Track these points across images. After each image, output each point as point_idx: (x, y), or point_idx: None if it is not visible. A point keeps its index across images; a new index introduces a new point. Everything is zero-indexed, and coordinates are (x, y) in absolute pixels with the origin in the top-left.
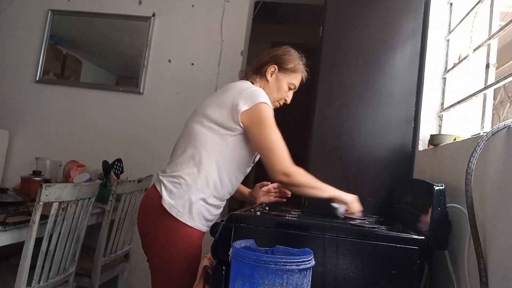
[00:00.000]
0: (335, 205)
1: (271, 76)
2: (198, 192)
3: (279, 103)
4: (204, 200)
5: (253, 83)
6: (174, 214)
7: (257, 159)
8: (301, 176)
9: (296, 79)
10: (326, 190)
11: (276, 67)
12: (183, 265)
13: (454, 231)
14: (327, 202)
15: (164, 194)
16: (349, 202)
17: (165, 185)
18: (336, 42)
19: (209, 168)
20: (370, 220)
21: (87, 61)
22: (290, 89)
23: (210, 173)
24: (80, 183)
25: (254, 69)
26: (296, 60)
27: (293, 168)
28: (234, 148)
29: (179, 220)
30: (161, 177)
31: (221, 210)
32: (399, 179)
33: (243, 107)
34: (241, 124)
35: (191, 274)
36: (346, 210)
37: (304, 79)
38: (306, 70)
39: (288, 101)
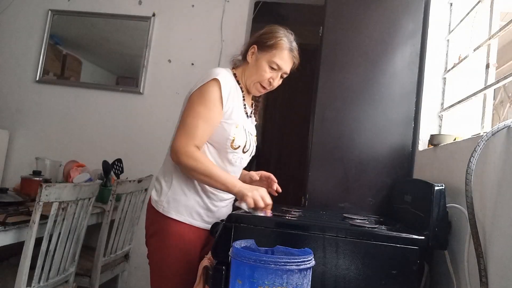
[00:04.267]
0: (237, 204)
1: (251, 57)
2: (180, 186)
3: (263, 86)
4: (189, 192)
5: (233, 68)
6: (160, 210)
7: (235, 144)
8: (192, 159)
9: (278, 57)
10: (221, 182)
11: (255, 47)
12: (175, 262)
13: (454, 231)
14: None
15: (153, 193)
16: (246, 198)
17: (155, 185)
18: (336, 42)
19: None
20: (370, 220)
21: (87, 61)
22: (273, 69)
23: None
24: (80, 183)
25: (241, 55)
26: (278, 37)
27: (186, 148)
28: None
29: (167, 216)
30: (154, 179)
31: (222, 203)
32: (399, 179)
33: (194, 88)
34: None
35: (184, 270)
36: (249, 207)
37: (295, 60)
38: (297, 50)
39: (274, 84)
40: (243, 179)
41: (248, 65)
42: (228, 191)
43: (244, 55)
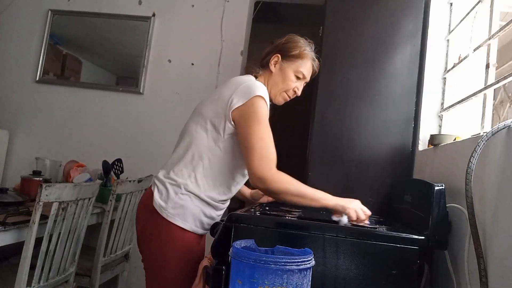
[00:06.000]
0: (334, 218)
1: (274, 66)
2: (189, 193)
3: (288, 95)
4: (196, 201)
5: (256, 77)
6: (164, 216)
7: None
8: (281, 183)
9: (303, 66)
10: (315, 199)
11: (279, 56)
12: (176, 270)
13: (454, 231)
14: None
15: (156, 195)
16: (348, 211)
17: (157, 186)
18: (336, 42)
19: (200, 170)
20: (370, 220)
21: (87, 61)
22: (298, 78)
23: (201, 175)
24: (80, 183)
25: (258, 62)
26: (301, 47)
27: (270, 172)
28: (228, 149)
29: (171, 222)
30: (155, 179)
31: (221, 211)
32: (399, 179)
33: (237, 103)
34: (232, 122)
35: (184, 279)
36: (350, 220)
37: (316, 68)
38: (317, 58)
39: (299, 92)
40: (256, 194)
41: (272, 75)
42: (323, 206)
43: (266, 63)
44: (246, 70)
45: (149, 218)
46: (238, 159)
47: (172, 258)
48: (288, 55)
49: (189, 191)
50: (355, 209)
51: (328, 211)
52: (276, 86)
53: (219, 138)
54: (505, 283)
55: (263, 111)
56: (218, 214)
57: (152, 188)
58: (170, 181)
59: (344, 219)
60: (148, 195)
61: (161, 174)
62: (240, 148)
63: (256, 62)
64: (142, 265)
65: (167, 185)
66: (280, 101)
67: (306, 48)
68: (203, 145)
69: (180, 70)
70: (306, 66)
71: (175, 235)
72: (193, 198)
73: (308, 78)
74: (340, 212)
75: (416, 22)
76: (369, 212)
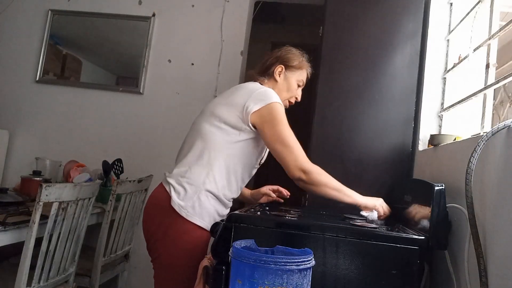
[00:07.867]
0: (363, 213)
1: (279, 76)
2: (206, 193)
3: (290, 102)
4: (212, 200)
5: (262, 84)
6: (183, 215)
7: (262, 161)
8: (320, 175)
9: (302, 75)
10: (349, 195)
11: (282, 66)
12: (191, 266)
13: (454, 231)
14: (354, 210)
15: (173, 195)
16: (378, 207)
17: (174, 186)
18: (336, 42)
19: (217, 168)
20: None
21: (87, 61)
22: (299, 86)
23: (218, 174)
24: (80, 183)
25: (260, 71)
26: (299, 57)
27: (311, 165)
28: (242, 149)
29: (189, 221)
30: (168, 179)
31: (228, 210)
32: (399, 179)
33: (254, 107)
34: (251, 125)
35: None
36: (378, 215)
37: (309, 74)
38: (310, 66)
39: (299, 99)
40: (256, 195)
41: (277, 84)
42: (354, 202)
43: (271, 73)
44: (249, 78)
45: (165, 217)
46: (249, 159)
47: (188, 255)
48: (290, 65)
49: (207, 190)
50: (382, 206)
51: (356, 207)
52: (281, 94)
53: (235, 138)
54: (505, 283)
55: (283, 113)
56: (227, 213)
57: (167, 188)
58: (188, 180)
59: (374, 214)
60: (161, 195)
61: (176, 174)
62: (272, 149)
63: (255, 71)
64: (142, 265)
65: (184, 184)
66: None
67: (303, 59)
68: (218, 145)
69: (180, 70)
70: (305, 75)
71: (193, 233)
72: (209, 197)
73: (304, 85)
74: (370, 208)
75: (416, 22)
76: (390, 209)
